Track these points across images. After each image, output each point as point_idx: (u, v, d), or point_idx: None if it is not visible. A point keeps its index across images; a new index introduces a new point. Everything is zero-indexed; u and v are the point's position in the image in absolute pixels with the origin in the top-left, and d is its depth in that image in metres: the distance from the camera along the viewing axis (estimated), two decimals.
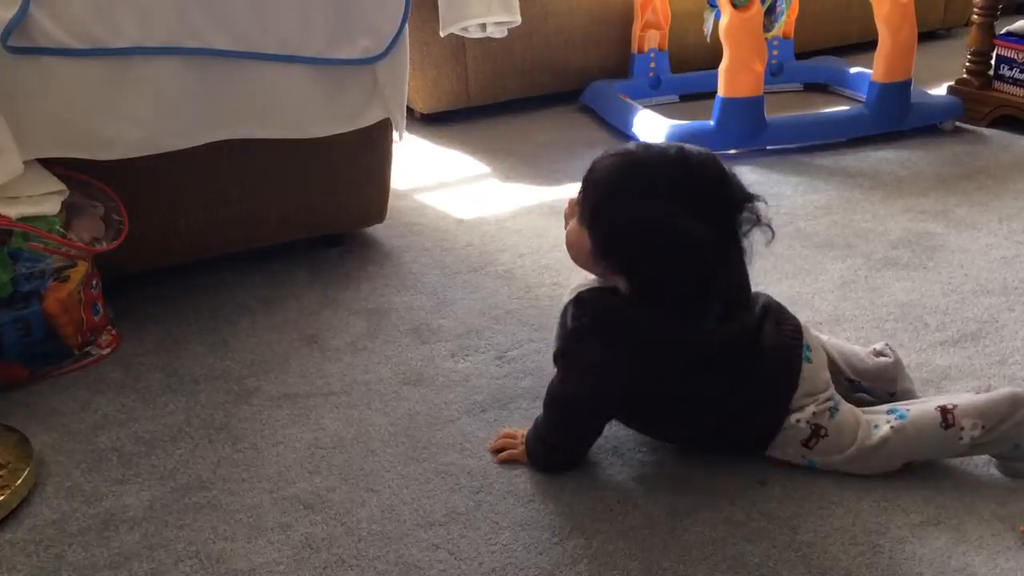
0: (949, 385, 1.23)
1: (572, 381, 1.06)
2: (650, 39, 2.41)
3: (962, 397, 1.06)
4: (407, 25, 1.46)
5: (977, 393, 1.07)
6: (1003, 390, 1.05)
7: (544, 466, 1.10)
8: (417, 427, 1.18)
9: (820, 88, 2.53)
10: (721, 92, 2.01)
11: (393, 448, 1.15)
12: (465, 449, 1.14)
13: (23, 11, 1.18)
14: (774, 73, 2.47)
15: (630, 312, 1.03)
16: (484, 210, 1.83)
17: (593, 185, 1.04)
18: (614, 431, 1.15)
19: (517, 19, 1.82)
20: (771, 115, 2.07)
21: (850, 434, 1.05)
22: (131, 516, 1.04)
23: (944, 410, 1.03)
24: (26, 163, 1.25)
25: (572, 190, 1.18)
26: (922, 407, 1.06)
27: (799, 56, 2.57)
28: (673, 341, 1.04)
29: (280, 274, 1.59)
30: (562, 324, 1.06)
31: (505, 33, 1.85)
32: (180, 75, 1.31)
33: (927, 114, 2.17)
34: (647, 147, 1.07)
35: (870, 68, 2.16)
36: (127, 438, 1.17)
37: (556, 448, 1.09)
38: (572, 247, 1.08)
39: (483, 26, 1.87)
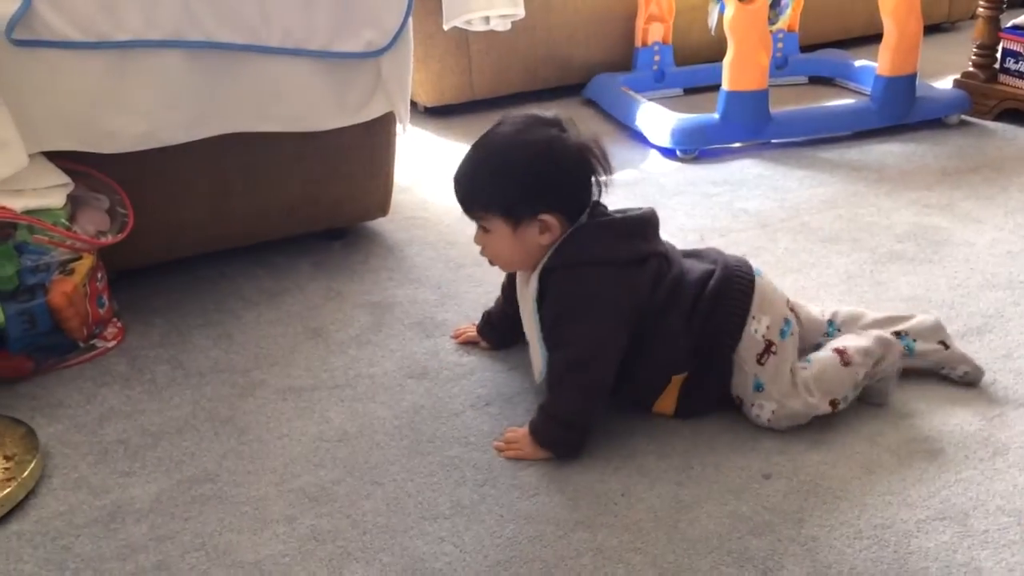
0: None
1: (592, 327, 1.09)
2: (654, 32, 2.41)
3: (848, 339, 1.18)
4: (411, 18, 1.45)
5: (858, 334, 1.20)
6: (873, 334, 1.18)
7: (561, 446, 1.10)
8: (422, 420, 1.19)
9: (825, 81, 2.52)
10: (726, 85, 2.01)
11: (398, 441, 1.15)
12: (470, 442, 1.14)
13: (26, 3, 1.18)
14: (779, 66, 2.47)
15: (583, 237, 1.11)
16: None
17: (462, 192, 1.14)
18: (615, 426, 1.15)
19: (521, 12, 1.81)
20: (776, 108, 2.06)
21: (791, 361, 1.14)
22: (138, 508, 1.04)
23: (839, 351, 1.15)
24: (31, 156, 1.25)
25: None
26: (822, 352, 1.17)
27: (804, 49, 2.56)
28: (630, 241, 1.13)
29: (284, 267, 1.59)
30: (551, 299, 1.11)
31: (509, 26, 1.84)
32: (183, 68, 1.31)
33: (932, 108, 2.17)
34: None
35: (875, 61, 2.16)
36: (133, 430, 1.18)
37: (572, 424, 1.10)
38: (503, 256, 1.16)
39: (486, 19, 1.87)
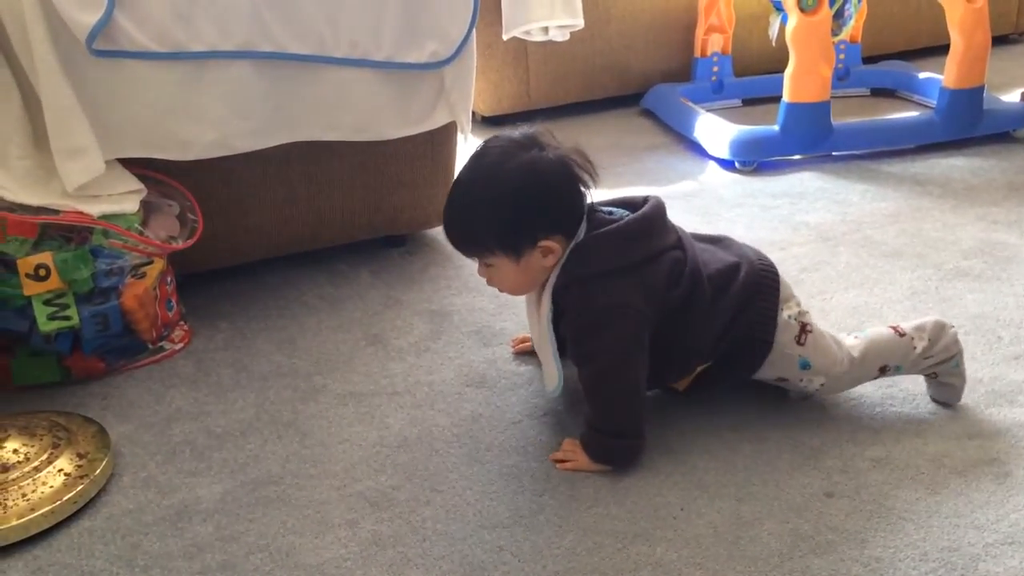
0: None
1: (615, 336, 1.08)
2: (713, 43, 2.40)
3: (901, 324, 1.20)
4: (474, 29, 1.47)
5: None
6: (929, 318, 1.20)
7: (614, 457, 1.11)
8: (480, 429, 1.19)
9: (887, 93, 2.48)
10: (787, 97, 1.99)
11: (457, 449, 1.16)
12: (528, 452, 1.15)
13: (107, 15, 1.22)
14: (840, 78, 2.43)
15: (589, 251, 1.09)
16: None
17: (456, 237, 1.14)
18: (673, 441, 1.15)
19: (580, 22, 1.82)
20: (837, 120, 2.03)
21: (828, 338, 1.16)
22: (204, 508, 1.07)
23: (894, 327, 1.19)
24: (107, 163, 1.30)
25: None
26: (876, 327, 1.21)
27: (866, 60, 2.53)
28: (640, 243, 1.11)
29: (345, 274, 1.62)
30: (569, 317, 1.11)
31: (567, 36, 1.85)
32: (254, 78, 1.34)
33: (1000, 121, 2.12)
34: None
35: (939, 73, 2.12)
36: (199, 431, 1.21)
37: (620, 433, 1.10)
38: (510, 285, 1.15)
39: (545, 29, 1.88)
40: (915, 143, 2.09)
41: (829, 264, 1.59)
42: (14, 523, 1.01)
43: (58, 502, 1.04)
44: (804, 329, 1.15)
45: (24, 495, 1.05)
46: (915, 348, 1.16)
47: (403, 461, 1.14)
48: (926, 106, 2.31)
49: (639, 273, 1.09)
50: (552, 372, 1.16)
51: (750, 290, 1.14)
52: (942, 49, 2.11)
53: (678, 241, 1.14)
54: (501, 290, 1.17)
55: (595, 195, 1.14)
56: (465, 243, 1.13)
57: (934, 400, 1.21)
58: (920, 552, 0.97)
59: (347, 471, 1.13)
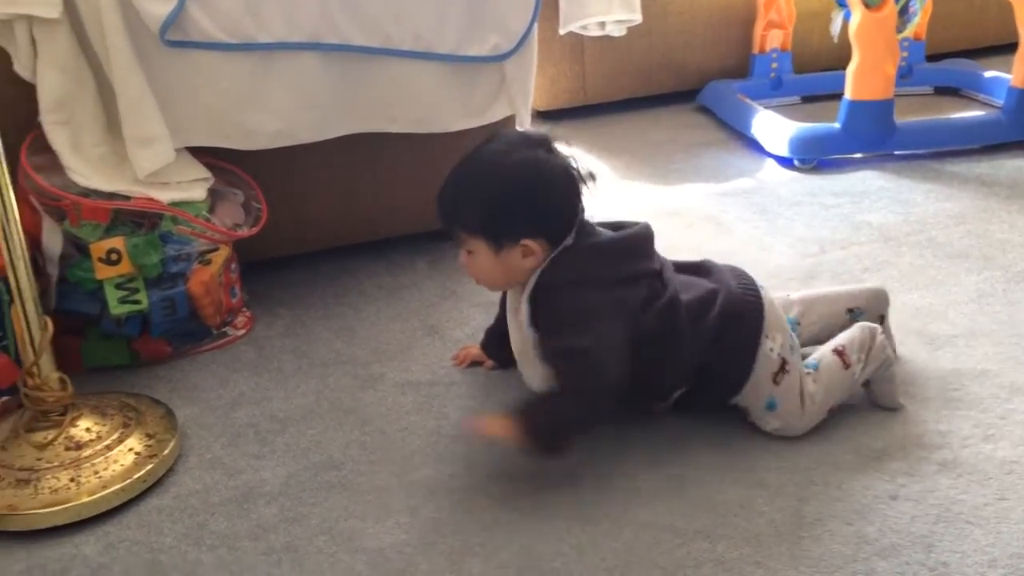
0: None
1: (585, 334, 1.04)
2: (773, 39, 2.37)
3: (839, 339, 1.18)
4: (536, 23, 1.47)
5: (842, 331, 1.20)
6: (858, 325, 1.19)
7: (543, 438, 1.06)
8: None
9: (951, 92, 2.43)
10: (849, 94, 1.96)
11: None
12: (586, 445, 1.14)
13: (180, 7, 1.25)
14: (903, 76, 2.38)
15: (573, 259, 1.08)
16: (599, 207, 1.82)
17: (445, 213, 1.11)
18: (733, 439, 1.14)
19: (637, 18, 1.81)
20: (900, 119, 2.00)
21: (798, 378, 1.12)
22: (268, 490, 1.09)
23: (839, 352, 1.15)
24: (176, 151, 1.33)
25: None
26: (824, 355, 1.16)
27: (929, 58, 2.47)
28: (620, 261, 1.10)
29: (402, 265, 1.63)
30: (543, 317, 1.08)
31: (624, 31, 1.84)
32: (319, 70, 1.36)
33: None
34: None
35: (1006, 72, 2.06)
36: (262, 416, 1.23)
37: (567, 426, 1.07)
38: (486, 277, 1.13)
39: (602, 24, 1.87)
40: (981, 143, 2.04)
41: (892, 265, 1.56)
42: (86, 499, 1.04)
43: (128, 480, 1.07)
44: (783, 367, 1.11)
45: (96, 472, 1.08)
46: (855, 375, 1.15)
47: (461, 451, 1.15)
48: (991, 105, 2.26)
49: (613, 290, 1.07)
50: (537, 375, 1.12)
51: (728, 317, 1.11)
52: (1009, 47, 2.06)
53: (660, 272, 1.12)
54: (478, 281, 1.15)
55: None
56: (452, 222, 1.11)
57: (875, 404, 1.19)
58: (989, 558, 0.95)
59: (406, 459, 1.14)
